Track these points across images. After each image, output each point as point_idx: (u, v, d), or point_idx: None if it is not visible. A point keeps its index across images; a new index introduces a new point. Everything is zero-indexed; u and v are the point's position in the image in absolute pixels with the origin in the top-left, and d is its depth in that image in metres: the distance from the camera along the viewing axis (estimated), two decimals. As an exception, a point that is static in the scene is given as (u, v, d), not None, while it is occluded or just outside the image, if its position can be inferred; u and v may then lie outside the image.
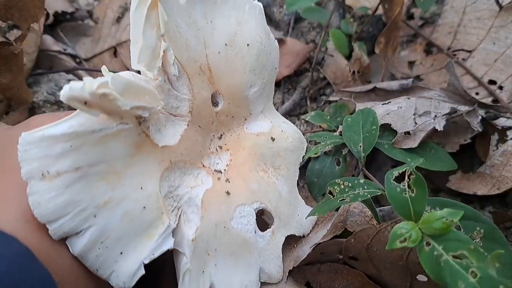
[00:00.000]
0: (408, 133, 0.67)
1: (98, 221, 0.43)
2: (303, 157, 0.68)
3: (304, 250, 0.59)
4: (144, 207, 0.46)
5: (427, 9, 0.89)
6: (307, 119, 0.78)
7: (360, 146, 0.64)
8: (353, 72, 0.85)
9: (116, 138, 0.44)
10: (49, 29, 0.98)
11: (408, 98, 0.71)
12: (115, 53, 0.96)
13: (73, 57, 0.95)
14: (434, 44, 0.88)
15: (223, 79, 0.58)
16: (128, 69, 0.89)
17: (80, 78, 0.90)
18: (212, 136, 0.60)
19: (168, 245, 0.47)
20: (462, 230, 0.50)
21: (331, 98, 0.83)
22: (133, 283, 0.45)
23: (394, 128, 0.67)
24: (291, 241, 0.61)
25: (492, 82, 0.79)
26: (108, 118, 0.43)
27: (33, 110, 0.84)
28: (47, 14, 0.96)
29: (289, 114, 0.90)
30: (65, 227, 0.41)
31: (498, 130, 0.68)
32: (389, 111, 0.69)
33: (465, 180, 0.70)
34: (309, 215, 0.59)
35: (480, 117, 0.68)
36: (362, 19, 0.95)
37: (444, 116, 0.68)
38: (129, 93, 0.42)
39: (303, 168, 0.72)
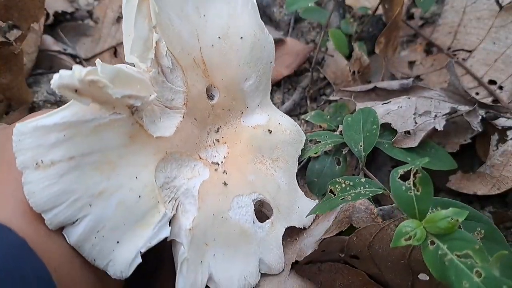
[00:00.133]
0: (408, 132, 0.67)
1: (93, 210, 0.43)
2: (303, 156, 0.68)
3: (306, 243, 0.59)
4: (139, 197, 0.46)
5: (427, 9, 0.89)
6: (307, 119, 0.78)
7: (361, 146, 0.64)
8: (353, 72, 0.85)
9: (109, 128, 0.45)
10: (49, 29, 0.98)
11: (408, 98, 0.71)
12: (115, 53, 0.96)
13: (73, 57, 0.95)
14: (434, 44, 0.88)
15: (218, 72, 0.59)
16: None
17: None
18: (209, 129, 0.60)
19: (165, 233, 0.47)
20: (462, 230, 0.50)
21: (331, 98, 0.83)
22: (130, 272, 0.45)
23: (394, 128, 0.67)
24: (292, 234, 0.61)
25: (492, 82, 0.79)
26: (101, 108, 0.44)
27: (33, 110, 0.84)
28: (47, 14, 0.96)
29: (289, 114, 0.89)
30: (60, 216, 0.42)
31: (498, 130, 0.68)
32: (389, 111, 0.69)
33: (465, 180, 0.70)
34: (310, 214, 0.59)
35: (480, 117, 0.68)
36: (362, 19, 0.95)
37: (444, 116, 0.68)
38: (120, 81, 0.42)
39: (303, 168, 0.72)
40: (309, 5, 0.87)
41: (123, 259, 0.45)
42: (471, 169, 0.72)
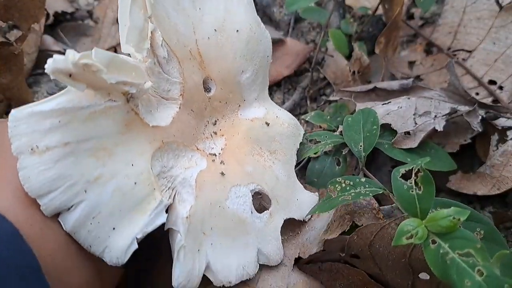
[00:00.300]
0: (408, 133, 0.67)
1: (89, 196, 0.43)
2: (303, 156, 0.68)
3: (308, 237, 0.59)
4: (135, 183, 0.46)
5: (427, 9, 0.89)
6: (307, 119, 0.78)
7: (361, 146, 0.64)
8: (353, 72, 0.85)
9: (105, 115, 0.45)
10: (49, 29, 0.98)
11: (408, 98, 0.71)
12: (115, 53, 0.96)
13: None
14: (434, 44, 0.88)
15: (214, 64, 0.59)
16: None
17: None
18: (206, 121, 0.60)
19: (161, 220, 0.48)
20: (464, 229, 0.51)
21: (331, 98, 0.83)
22: (126, 258, 0.45)
23: (394, 128, 0.67)
24: (294, 228, 0.62)
25: (492, 82, 0.79)
26: (96, 94, 0.44)
27: (33, 110, 0.84)
28: (47, 14, 0.96)
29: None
30: (55, 201, 0.42)
31: (498, 130, 0.68)
32: (389, 111, 0.69)
33: (465, 180, 0.70)
34: (310, 213, 0.59)
35: (480, 117, 0.68)
36: (362, 19, 0.95)
37: (444, 116, 0.68)
38: (114, 67, 0.43)
39: (303, 168, 0.72)
40: (309, 5, 0.87)
41: (119, 245, 0.45)
42: (471, 169, 0.72)
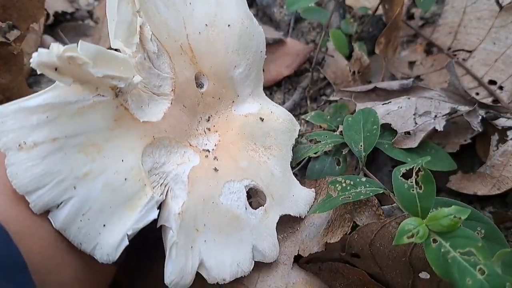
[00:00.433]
0: (408, 133, 0.67)
1: (78, 192, 0.43)
2: (303, 156, 0.68)
3: (308, 233, 0.59)
4: (125, 179, 0.46)
5: (427, 9, 0.89)
6: (307, 119, 0.78)
7: (361, 146, 0.64)
8: (353, 72, 0.85)
9: (93, 111, 0.45)
10: (49, 29, 0.98)
11: (409, 98, 0.71)
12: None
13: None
14: (434, 44, 0.88)
15: (206, 59, 0.59)
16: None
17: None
18: (199, 118, 0.60)
19: (152, 216, 0.47)
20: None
21: (331, 98, 0.83)
22: (117, 255, 0.45)
23: (394, 128, 0.67)
24: (293, 224, 0.61)
25: (492, 82, 0.79)
26: (83, 89, 0.44)
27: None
28: (47, 14, 0.96)
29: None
30: (44, 198, 0.42)
31: (498, 130, 0.68)
32: (389, 111, 0.69)
33: (465, 180, 0.70)
34: (310, 213, 0.59)
35: (480, 117, 0.68)
36: (362, 19, 0.95)
37: (444, 116, 0.68)
38: (101, 61, 0.42)
39: (303, 168, 0.72)
40: (309, 5, 0.87)
41: (110, 242, 0.44)
42: (471, 169, 0.72)
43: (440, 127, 0.66)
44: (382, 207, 0.57)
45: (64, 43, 0.96)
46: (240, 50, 0.61)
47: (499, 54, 0.80)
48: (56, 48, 0.38)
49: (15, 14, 0.70)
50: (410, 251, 0.49)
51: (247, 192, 0.57)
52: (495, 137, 0.68)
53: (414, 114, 0.68)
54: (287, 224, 0.61)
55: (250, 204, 0.57)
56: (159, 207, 0.50)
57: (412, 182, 0.49)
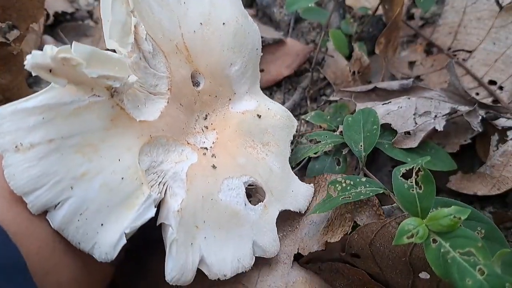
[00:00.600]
0: (408, 133, 0.67)
1: (76, 192, 0.43)
2: (303, 156, 0.68)
3: (308, 231, 0.59)
4: (122, 178, 0.46)
5: (427, 9, 0.89)
6: (307, 119, 0.78)
7: (361, 146, 0.64)
8: (353, 73, 0.85)
9: (89, 111, 0.45)
10: (49, 29, 0.98)
11: (409, 98, 0.71)
12: (115, 53, 0.96)
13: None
14: (434, 45, 0.88)
15: (202, 58, 0.59)
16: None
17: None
18: (197, 116, 0.60)
19: (150, 214, 0.47)
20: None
21: (331, 98, 0.83)
22: (116, 253, 0.45)
23: (394, 128, 0.67)
24: (292, 222, 0.61)
25: (492, 82, 0.79)
26: (78, 90, 0.44)
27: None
28: (47, 15, 0.96)
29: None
30: (42, 198, 0.42)
31: (498, 130, 0.68)
32: (389, 111, 0.69)
33: (465, 181, 0.70)
34: (310, 213, 0.59)
35: (480, 117, 0.68)
36: (362, 20, 0.95)
37: (444, 116, 0.68)
38: (95, 61, 0.42)
39: (303, 168, 0.72)
40: (309, 5, 0.87)
41: (108, 241, 0.45)
42: (471, 169, 0.72)
43: (440, 127, 0.66)
44: (382, 207, 0.57)
45: (64, 43, 0.96)
46: (236, 48, 0.61)
47: (499, 54, 0.80)
48: (50, 49, 0.39)
49: (14, 14, 0.70)
50: (410, 251, 0.49)
51: (247, 191, 0.57)
52: (495, 137, 0.68)
53: (414, 114, 0.68)
54: (286, 222, 0.61)
55: (250, 202, 0.57)
56: (159, 206, 0.50)
57: (412, 182, 0.49)
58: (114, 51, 0.51)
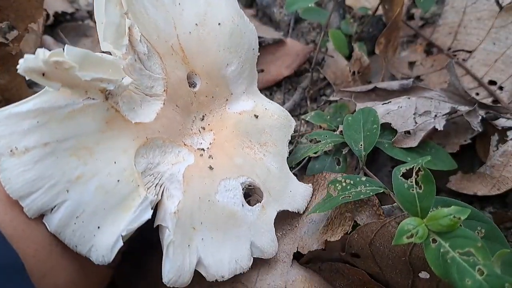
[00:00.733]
0: (408, 132, 0.67)
1: (72, 195, 0.44)
2: (303, 155, 0.68)
3: (307, 230, 0.59)
4: (118, 181, 0.46)
5: (427, 10, 0.89)
6: (307, 119, 0.78)
7: (361, 145, 0.64)
8: (353, 73, 0.85)
9: (84, 114, 0.45)
10: (49, 29, 0.98)
11: (409, 98, 0.71)
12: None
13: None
14: (434, 45, 0.88)
15: (197, 59, 0.59)
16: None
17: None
18: (194, 117, 0.60)
19: (146, 216, 0.47)
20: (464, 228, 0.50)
21: (331, 98, 0.83)
22: (113, 256, 0.45)
23: (394, 127, 0.67)
24: (291, 221, 0.61)
25: (492, 82, 0.79)
26: (72, 93, 0.44)
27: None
28: (47, 15, 0.96)
29: (290, 114, 0.89)
30: (37, 202, 0.42)
31: (498, 130, 0.68)
32: (389, 111, 0.69)
33: (465, 181, 0.70)
34: (310, 213, 0.59)
35: (480, 117, 0.67)
36: (362, 20, 0.95)
37: (444, 116, 0.68)
38: (89, 64, 0.43)
39: (303, 168, 0.72)
40: (309, 5, 0.87)
41: (105, 243, 0.45)
42: (471, 169, 0.72)
43: (440, 127, 0.66)
44: (382, 206, 0.57)
45: (64, 44, 0.96)
46: (232, 48, 0.61)
47: (499, 54, 0.79)
48: (42, 53, 0.39)
49: (12, 14, 0.70)
50: (410, 251, 0.49)
51: (247, 192, 0.57)
52: (495, 137, 0.68)
53: (414, 114, 0.68)
54: (286, 221, 0.61)
55: (249, 203, 0.57)
56: (156, 207, 0.50)
57: (412, 181, 0.49)
58: (109, 53, 0.51)
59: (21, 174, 0.41)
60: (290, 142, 0.73)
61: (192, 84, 0.59)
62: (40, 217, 0.43)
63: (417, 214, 0.47)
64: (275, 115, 0.65)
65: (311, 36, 1.00)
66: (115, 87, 0.46)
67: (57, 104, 0.43)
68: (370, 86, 0.77)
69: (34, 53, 0.87)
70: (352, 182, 0.57)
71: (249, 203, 0.57)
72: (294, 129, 0.67)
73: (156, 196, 0.50)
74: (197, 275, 0.51)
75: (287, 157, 0.65)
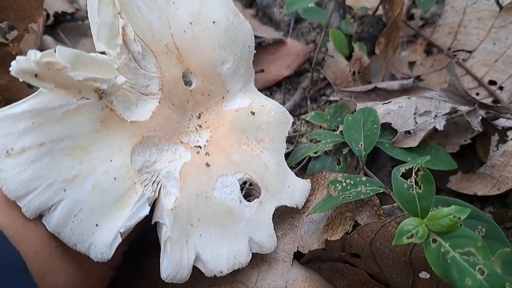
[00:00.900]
0: (408, 132, 0.67)
1: (68, 194, 0.44)
2: (303, 155, 0.68)
3: (307, 229, 0.59)
4: (114, 178, 0.47)
5: (427, 10, 0.89)
6: (307, 119, 0.78)
7: (361, 145, 0.64)
8: (353, 73, 0.85)
9: (78, 114, 0.45)
10: (49, 29, 0.98)
11: (409, 98, 0.71)
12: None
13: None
14: (434, 45, 0.88)
15: (192, 57, 0.59)
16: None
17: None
18: (190, 115, 0.60)
19: (144, 213, 0.48)
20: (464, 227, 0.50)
21: (331, 98, 0.83)
22: (111, 253, 0.45)
23: (395, 127, 0.67)
24: (292, 220, 0.61)
25: (492, 82, 0.79)
26: (66, 94, 0.44)
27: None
28: (47, 15, 0.96)
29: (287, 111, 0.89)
30: (35, 202, 0.42)
31: (499, 130, 0.68)
32: (390, 111, 0.69)
33: (466, 181, 0.70)
34: (310, 213, 0.59)
35: (480, 117, 0.67)
36: (362, 20, 0.95)
37: (444, 116, 0.68)
38: (81, 64, 0.43)
39: (303, 168, 0.72)
40: (309, 5, 0.87)
41: (103, 241, 0.45)
42: (471, 169, 0.72)
43: (440, 127, 0.66)
44: (382, 206, 0.57)
45: (64, 44, 0.96)
46: (227, 46, 0.61)
47: (499, 54, 0.80)
48: (33, 54, 0.39)
49: (12, 14, 0.70)
50: (410, 251, 0.49)
51: (247, 193, 0.57)
52: (495, 137, 0.68)
53: (414, 114, 0.68)
54: (286, 220, 0.61)
55: (249, 201, 0.57)
56: (154, 205, 0.50)
57: (411, 182, 0.49)
58: (104, 53, 0.51)
59: (17, 174, 0.42)
60: (290, 142, 0.73)
61: (187, 83, 0.60)
62: (39, 219, 0.44)
63: (417, 214, 0.47)
64: (272, 112, 0.65)
65: (311, 36, 1.00)
66: (109, 86, 0.46)
67: (51, 105, 0.43)
68: (370, 86, 0.77)
69: (34, 53, 0.87)
70: (352, 182, 0.57)
71: (249, 201, 0.57)
72: (294, 129, 0.67)
73: (153, 193, 0.50)
74: (199, 273, 0.51)
75: (287, 157, 0.65)
